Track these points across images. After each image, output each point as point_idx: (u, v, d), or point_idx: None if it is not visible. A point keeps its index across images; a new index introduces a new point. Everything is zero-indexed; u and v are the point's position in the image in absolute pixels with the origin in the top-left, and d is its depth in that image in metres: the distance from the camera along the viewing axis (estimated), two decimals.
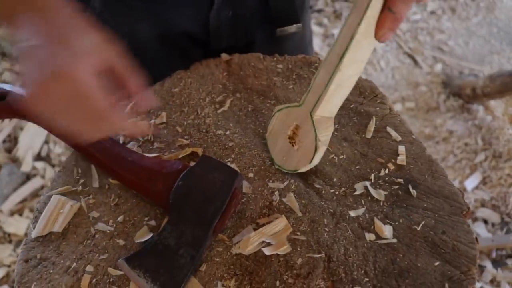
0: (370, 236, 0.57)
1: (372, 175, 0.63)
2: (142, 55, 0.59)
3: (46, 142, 1.85)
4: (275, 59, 0.81)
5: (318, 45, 2.36)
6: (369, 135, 0.68)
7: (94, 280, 0.54)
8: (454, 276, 0.52)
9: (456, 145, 1.91)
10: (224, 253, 0.56)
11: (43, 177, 1.74)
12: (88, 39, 0.46)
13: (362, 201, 0.61)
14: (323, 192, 0.62)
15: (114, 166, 0.61)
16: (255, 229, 0.57)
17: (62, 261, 0.56)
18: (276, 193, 0.62)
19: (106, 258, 0.56)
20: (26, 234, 1.37)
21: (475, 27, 2.50)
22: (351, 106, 0.72)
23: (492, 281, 1.50)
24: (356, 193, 0.61)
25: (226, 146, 0.67)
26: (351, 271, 0.54)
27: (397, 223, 0.58)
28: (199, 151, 0.66)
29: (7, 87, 0.63)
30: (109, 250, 0.57)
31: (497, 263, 1.55)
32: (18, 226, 1.59)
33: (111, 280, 0.54)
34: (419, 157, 0.65)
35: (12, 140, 1.86)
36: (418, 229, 0.57)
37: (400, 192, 0.61)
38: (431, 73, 2.24)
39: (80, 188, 0.63)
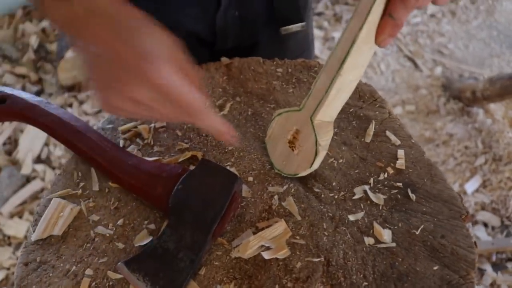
0: (369, 240, 0.57)
1: (371, 179, 0.63)
2: None
3: (46, 144, 1.85)
4: (274, 63, 0.81)
5: (319, 48, 2.36)
6: (368, 139, 0.68)
7: (94, 283, 0.54)
8: (453, 280, 0.52)
9: (456, 148, 1.91)
10: (223, 256, 0.56)
11: (43, 179, 1.74)
12: (157, 40, 0.46)
13: (361, 205, 0.61)
14: (322, 196, 0.62)
15: (114, 170, 0.61)
16: (254, 233, 0.57)
17: (61, 265, 0.56)
18: (276, 197, 0.62)
19: (106, 262, 0.56)
20: (25, 237, 1.37)
21: (475, 30, 2.50)
22: (351, 110, 0.73)
23: (492, 285, 1.50)
24: (355, 197, 0.61)
25: (226, 150, 0.67)
26: (350, 275, 0.54)
27: (396, 227, 0.58)
28: (199, 155, 0.66)
29: (7, 90, 0.64)
30: (109, 254, 0.57)
31: (497, 266, 1.55)
32: (17, 228, 1.60)
33: (111, 283, 0.54)
34: (418, 161, 0.65)
35: (12, 143, 1.86)
36: (417, 233, 0.57)
37: (399, 196, 0.61)
38: (431, 76, 2.24)
39: (80, 191, 0.63)
